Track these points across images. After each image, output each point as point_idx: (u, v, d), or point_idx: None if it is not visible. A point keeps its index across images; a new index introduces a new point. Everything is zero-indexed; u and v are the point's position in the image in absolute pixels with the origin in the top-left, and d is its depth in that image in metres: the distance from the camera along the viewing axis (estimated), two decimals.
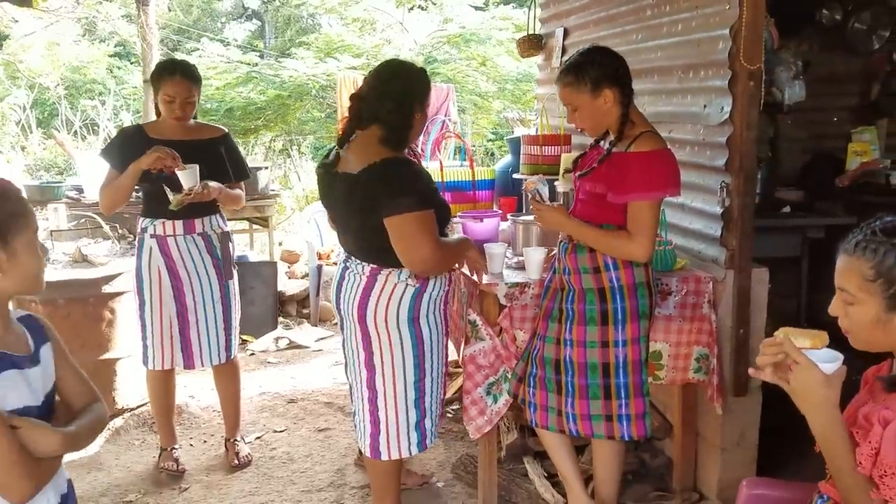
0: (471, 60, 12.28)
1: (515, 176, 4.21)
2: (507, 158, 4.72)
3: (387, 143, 2.33)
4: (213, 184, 3.03)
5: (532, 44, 4.65)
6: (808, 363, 1.41)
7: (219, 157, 3.14)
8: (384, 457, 2.46)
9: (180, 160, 2.90)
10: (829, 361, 1.43)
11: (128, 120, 11.19)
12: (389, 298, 2.35)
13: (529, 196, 2.60)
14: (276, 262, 5.37)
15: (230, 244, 3.25)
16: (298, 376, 4.43)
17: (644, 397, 2.48)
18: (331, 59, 11.17)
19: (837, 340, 1.53)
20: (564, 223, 2.48)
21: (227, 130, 3.28)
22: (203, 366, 3.21)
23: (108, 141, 3.13)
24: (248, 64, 12.07)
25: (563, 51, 4.32)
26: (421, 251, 2.26)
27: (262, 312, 5.13)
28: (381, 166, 2.28)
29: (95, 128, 11.76)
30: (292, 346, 4.96)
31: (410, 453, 2.49)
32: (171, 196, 2.96)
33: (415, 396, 2.42)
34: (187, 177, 2.91)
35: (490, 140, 12.51)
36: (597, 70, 2.36)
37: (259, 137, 12.29)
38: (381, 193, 2.25)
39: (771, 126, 4.83)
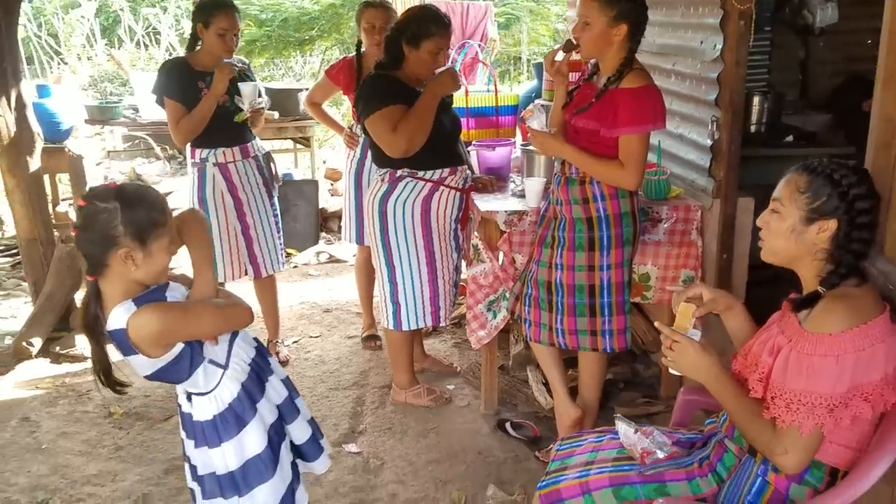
0: None
1: (537, 102, 4.37)
2: (533, 83, 4.86)
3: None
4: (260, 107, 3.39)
5: None
6: (683, 339, 1.69)
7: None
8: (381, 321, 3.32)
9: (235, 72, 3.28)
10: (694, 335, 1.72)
11: (189, 29, 11.42)
12: (373, 193, 3.07)
13: (527, 123, 2.78)
14: (317, 181, 5.69)
15: (273, 163, 3.60)
16: (335, 288, 4.82)
17: (625, 315, 2.74)
18: None
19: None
20: (561, 149, 2.64)
21: (248, 62, 3.56)
22: (267, 272, 3.62)
23: (161, 79, 3.36)
24: None
25: None
26: (387, 142, 2.92)
27: (304, 228, 5.50)
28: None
29: (157, 35, 12.10)
30: (332, 259, 5.35)
31: (387, 323, 3.21)
32: (243, 105, 3.31)
33: (388, 275, 3.12)
34: (250, 91, 3.28)
35: (547, 46, 12.22)
36: (630, 4, 2.46)
37: (313, 49, 12.40)
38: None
39: (802, 48, 4.84)
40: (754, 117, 3.62)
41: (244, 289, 4.33)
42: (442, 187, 3.03)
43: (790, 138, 3.56)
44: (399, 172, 3.02)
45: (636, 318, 3.50)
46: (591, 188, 2.61)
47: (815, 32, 4.51)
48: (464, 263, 3.31)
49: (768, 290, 2.09)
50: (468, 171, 3.17)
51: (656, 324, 1.80)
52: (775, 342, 1.68)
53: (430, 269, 3.09)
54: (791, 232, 1.65)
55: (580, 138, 2.61)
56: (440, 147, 3.02)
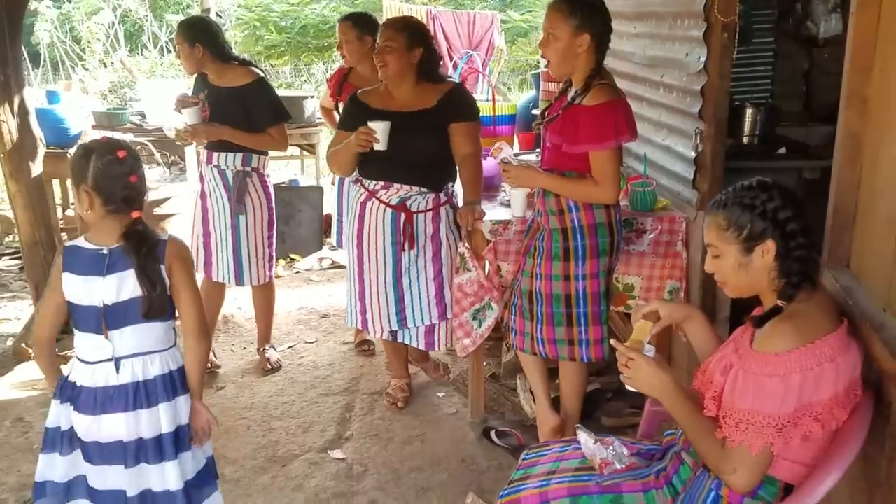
0: None
1: (534, 111, 4.40)
2: (532, 93, 4.88)
3: None
4: (202, 127, 3.41)
5: None
6: (638, 356, 1.71)
7: (235, 105, 3.40)
8: None
9: (189, 100, 3.43)
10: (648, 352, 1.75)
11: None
12: None
13: (497, 161, 2.83)
14: (321, 187, 5.75)
15: (245, 183, 3.49)
16: (335, 294, 4.86)
17: (602, 325, 2.75)
18: None
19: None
20: (535, 179, 2.71)
21: (256, 77, 3.43)
22: (218, 279, 3.60)
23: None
24: None
25: None
26: None
27: (308, 234, 5.56)
28: None
29: None
30: (335, 265, 5.40)
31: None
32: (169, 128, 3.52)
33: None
34: (187, 114, 3.38)
35: None
36: (590, 14, 2.49)
37: (333, 56, 12.53)
38: None
39: (806, 60, 4.80)
40: (747, 129, 3.61)
41: (242, 293, 4.41)
42: (374, 199, 3.08)
43: (783, 150, 3.55)
44: (356, 175, 3.17)
45: (627, 328, 3.50)
46: (566, 199, 2.65)
47: (819, 44, 4.49)
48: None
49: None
50: (420, 194, 3.07)
51: (611, 342, 1.82)
52: (728, 360, 1.70)
53: (360, 271, 3.17)
54: (738, 268, 1.67)
55: (553, 150, 2.66)
56: (377, 161, 3.03)
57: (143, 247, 1.98)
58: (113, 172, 1.95)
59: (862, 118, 1.85)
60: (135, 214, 2.00)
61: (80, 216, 2.06)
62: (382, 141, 2.89)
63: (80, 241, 2.03)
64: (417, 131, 2.98)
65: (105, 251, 1.99)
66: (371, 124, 2.89)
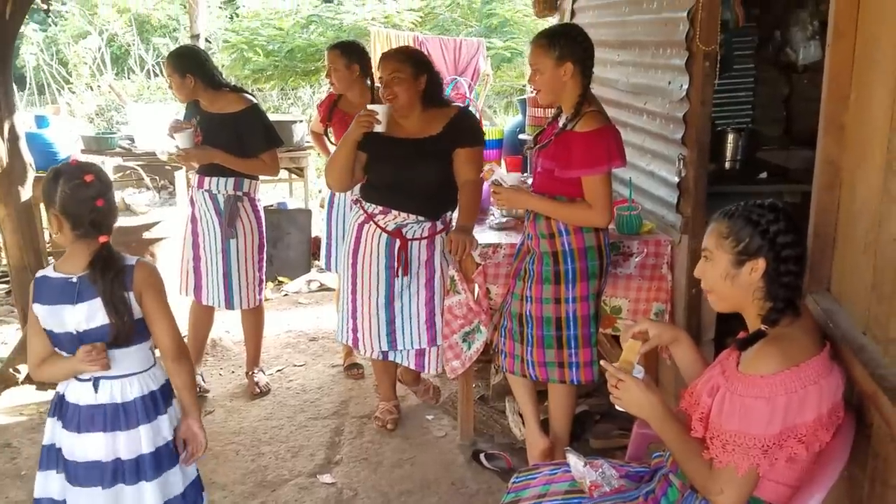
0: None
1: (521, 136, 4.47)
2: (518, 117, 4.95)
3: None
4: (194, 151, 3.44)
5: (547, 4, 4.83)
6: (627, 378, 1.74)
7: (227, 131, 3.44)
8: None
9: (181, 125, 3.45)
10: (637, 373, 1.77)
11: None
12: None
13: (489, 183, 2.88)
14: (310, 210, 5.78)
15: (237, 207, 3.52)
16: (323, 316, 4.87)
17: (592, 347, 2.78)
18: (389, 0, 11.37)
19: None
20: (527, 201, 2.76)
21: (250, 104, 3.47)
22: (208, 303, 3.62)
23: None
24: (315, 4, 12.37)
25: (573, 14, 4.49)
26: None
27: (296, 256, 5.58)
28: None
29: None
30: (323, 288, 5.41)
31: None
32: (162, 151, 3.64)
33: None
34: (180, 138, 3.40)
35: None
36: (569, 44, 2.59)
37: (320, 80, 12.60)
38: None
39: (786, 85, 4.90)
40: (728, 154, 3.68)
41: (230, 317, 4.41)
42: (371, 222, 3.12)
43: (763, 175, 3.62)
44: (356, 195, 3.24)
45: (615, 351, 3.54)
46: (556, 223, 2.70)
47: (798, 70, 4.59)
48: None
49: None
50: (417, 223, 3.11)
51: (602, 363, 1.85)
52: (715, 382, 1.73)
53: (353, 290, 3.20)
54: (725, 277, 1.71)
55: (544, 175, 2.71)
56: (378, 186, 3.12)
57: (109, 273, 1.97)
58: (80, 196, 1.95)
59: (839, 145, 1.90)
60: (102, 239, 2.00)
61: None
62: (383, 122, 2.93)
63: (49, 271, 2.03)
64: (422, 158, 3.02)
65: (74, 279, 1.98)
66: (370, 107, 2.95)
